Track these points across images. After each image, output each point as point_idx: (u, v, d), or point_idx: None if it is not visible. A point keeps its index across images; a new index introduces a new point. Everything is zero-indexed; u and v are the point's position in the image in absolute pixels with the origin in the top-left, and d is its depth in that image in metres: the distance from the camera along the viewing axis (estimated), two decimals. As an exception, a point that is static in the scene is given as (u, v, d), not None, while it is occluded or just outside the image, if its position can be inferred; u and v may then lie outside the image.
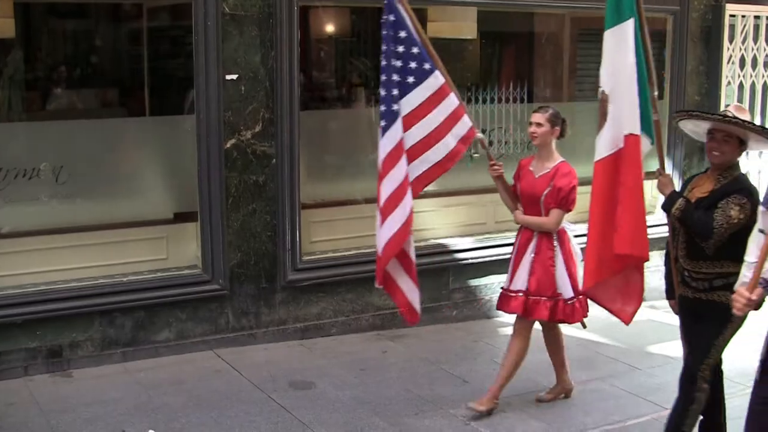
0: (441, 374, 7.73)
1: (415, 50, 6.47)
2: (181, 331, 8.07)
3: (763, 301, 4.84)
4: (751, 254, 4.96)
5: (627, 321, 6.68)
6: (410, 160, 6.43)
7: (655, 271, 10.45)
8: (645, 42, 6.21)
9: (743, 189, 5.67)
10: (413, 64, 6.47)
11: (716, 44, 10.42)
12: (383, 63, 6.54)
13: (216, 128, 7.85)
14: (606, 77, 6.16)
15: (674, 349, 8.38)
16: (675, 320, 9.45)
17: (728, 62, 10.54)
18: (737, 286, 4.90)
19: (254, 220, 8.18)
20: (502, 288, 7.17)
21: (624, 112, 6.01)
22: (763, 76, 10.91)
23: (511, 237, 9.43)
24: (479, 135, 6.76)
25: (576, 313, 6.93)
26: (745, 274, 4.88)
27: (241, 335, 8.29)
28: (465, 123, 6.55)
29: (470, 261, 9.25)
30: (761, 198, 5.40)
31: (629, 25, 6.00)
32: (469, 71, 11.14)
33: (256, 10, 7.96)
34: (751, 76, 10.77)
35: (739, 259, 5.50)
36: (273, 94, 8.08)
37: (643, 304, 10.03)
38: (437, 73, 6.50)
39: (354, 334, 8.75)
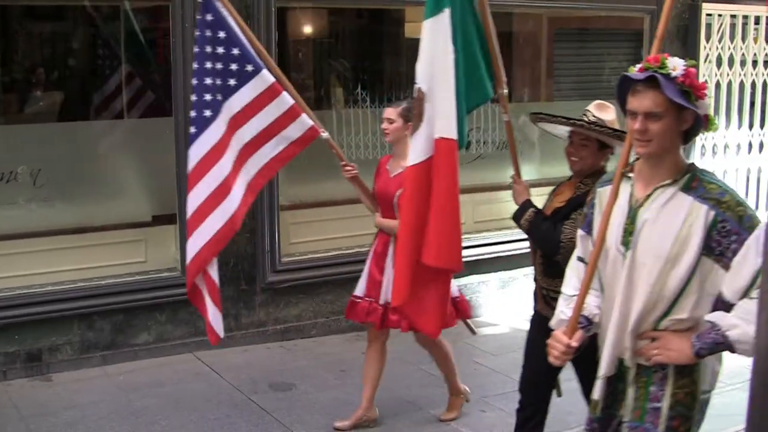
0: (421, 375, 7.74)
1: (235, 51, 5.94)
2: (161, 334, 8.05)
3: (580, 348, 4.00)
4: (569, 286, 4.18)
5: (435, 334, 6.25)
6: (239, 167, 6.00)
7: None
8: (489, 37, 5.75)
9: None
10: (234, 66, 5.94)
11: (693, 43, 10.47)
12: (195, 66, 6.05)
13: (194, 130, 7.84)
14: (423, 73, 5.58)
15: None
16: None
17: (705, 61, 10.59)
18: (554, 324, 4.18)
19: (233, 221, 8.17)
20: (353, 295, 6.72)
21: (437, 114, 5.49)
22: (740, 74, 10.97)
23: (492, 236, 9.54)
24: (324, 135, 6.17)
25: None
26: (563, 310, 4.13)
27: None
28: (303, 123, 6.02)
29: (449, 261, 9.24)
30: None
31: (446, 16, 5.50)
32: (447, 72, 11.14)
33: (234, 12, 7.95)
34: (728, 74, 10.84)
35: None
36: (251, 96, 8.06)
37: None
38: (264, 72, 5.96)
39: (334, 335, 8.75)
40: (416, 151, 5.58)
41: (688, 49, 10.48)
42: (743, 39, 10.92)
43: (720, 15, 10.66)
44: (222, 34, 5.93)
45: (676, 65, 3.65)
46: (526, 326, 9.11)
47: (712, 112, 3.89)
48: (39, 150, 7.84)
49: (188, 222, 6.01)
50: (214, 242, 5.96)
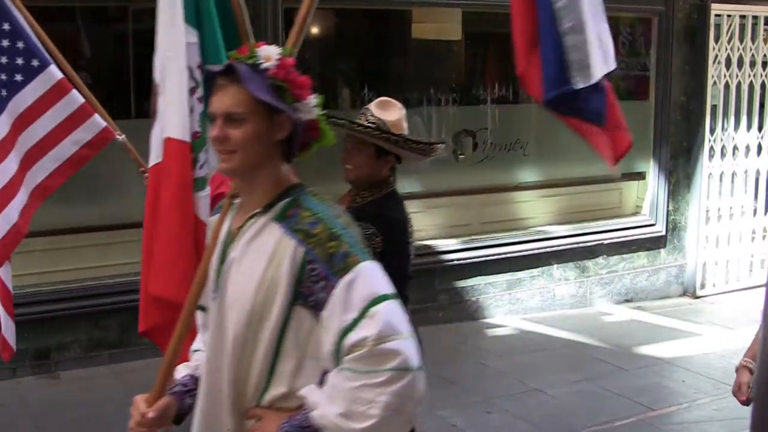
0: (427, 375, 7.71)
1: (20, 45, 5.33)
2: (168, 334, 8.06)
3: (181, 417, 3.11)
4: (196, 340, 3.25)
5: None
6: (26, 169, 5.41)
7: (642, 271, 10.54)
8: (239, 17, 4.42)
9: (373, 215, 4.35)
10: (20, 60, 5.33)
11: (702, 44, 10.44)
12: None
13: (202, 130, 7.85)
14: (158, 62, 4.74)
15: (661, 350, 8.44)
16: (661, 321, 9.56)
17: (714, 62, 10.55)
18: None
19: (241, 221, 8.18)
20: None
21: (168, 109, 4.66)
22: (749, 75, 10.93)
23: (498, 238, 9.54)
24: (120, 137, 5.63)
25: None
26: (179, 369, 3.21)
27: (227, 337, 8.29)
28: (95, 124, 5.45)
29: (456, 262, 9.25)
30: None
31: None
32: (454, 72, 11.14)
33: (242, 13, 7.95)
34: (737, 75, 10.79)
35: None
36: (259, 96, 8.07)
37: (630, 305, 10.22)
38: (52, 68, 5.36)
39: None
40: (152, 152, 4.81)
41: (697, 50, 10.46)
42: (752, 40, 10.87)
43: (729, 15, 10.62)
44: (6, 26, 5.39)
45: (269, 54, 2.89)
46: (533, 328, 9.21)
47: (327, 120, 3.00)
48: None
49: None
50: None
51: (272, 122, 2.83)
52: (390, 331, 2.70)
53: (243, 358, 2.84)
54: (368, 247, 3.74)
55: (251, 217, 2.88)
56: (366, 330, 2.67)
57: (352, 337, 2.67)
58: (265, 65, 2.85)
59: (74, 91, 5.41)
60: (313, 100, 2.93)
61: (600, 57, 4.57)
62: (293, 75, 2.89)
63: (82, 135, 5.43)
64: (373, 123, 4.46)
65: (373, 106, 4.57)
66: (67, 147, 5.42)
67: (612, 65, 4.70)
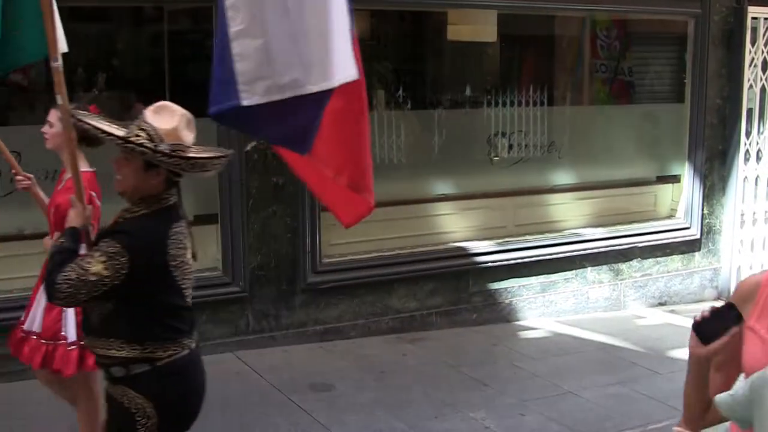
0: (460, 377, 7.73)
1: None
2: (202, 333, 8.04)
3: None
4: None
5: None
6: None
7: (676, 274, 10.48)
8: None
9: (123, 233, 3.89)
10: None
11: (738, 47, 10.37)
12: None
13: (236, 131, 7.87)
14: None
15: (695, 353, 8.37)
16: (695, 324, 9.49)
17: (750, 65, 10.49)
18: None
19: (274, 222, 8.19)
20: (19, 322, 5.66)
21: None
22: (786, 79, 10.87)
23: (532, 240, 9.52)
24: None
25: (70, 363, 5.46)
26: None
27: (261, 337, 8.31)
28: None
29: (490, 264, 9.23)
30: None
31: None
32: (489, 74, 11.14)
33: (277, 14, 7.97)
34: (773, 79, 10.73)
35: (138, 339, 3.93)
36: (293, 97, 8.08)
37: (664, 308, 10.17)
38: None
39: (373, 336, 8.75)
40: None
41: (733, 53, 10.40)
42: (789, 43, 10.81)
43: (766, 18, 10.54)
44: None
45: None
46: (567, 330, 9.17)
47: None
48: (83, 148, 7.89)
49: None
50: None
51: None
52: None
53: None
54: (110, 270, 3.72)
55: None
56: None
57: None
58: None
59: None
60: None
61: (309, 68, 4.24)
62: None
63: None
64: (143, 131, 3.96)
65: (148, 112, 4.08)
66: None
67: (335, 80, 4.36)
